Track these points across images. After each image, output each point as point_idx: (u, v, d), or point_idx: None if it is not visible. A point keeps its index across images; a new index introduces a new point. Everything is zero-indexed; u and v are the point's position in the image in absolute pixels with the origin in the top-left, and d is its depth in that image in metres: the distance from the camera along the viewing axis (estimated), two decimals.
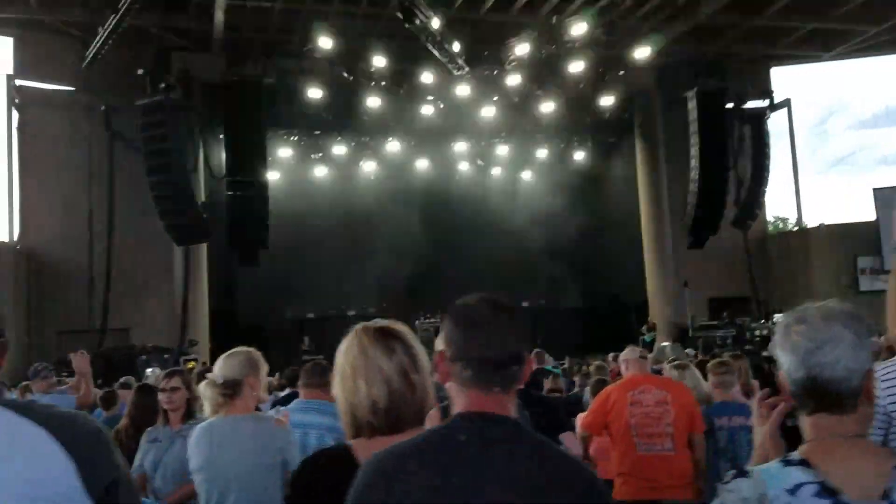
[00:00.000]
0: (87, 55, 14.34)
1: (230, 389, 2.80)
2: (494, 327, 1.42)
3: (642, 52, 17.55)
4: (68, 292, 16.07)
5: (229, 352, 2.95)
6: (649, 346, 18.24)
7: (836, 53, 22.43)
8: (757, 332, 19.83)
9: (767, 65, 23.61)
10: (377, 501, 1.30)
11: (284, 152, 20.64)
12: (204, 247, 18.41)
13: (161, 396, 3.62)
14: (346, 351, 1.70)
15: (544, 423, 3.35)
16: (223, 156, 16.92)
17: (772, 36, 21.42)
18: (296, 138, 19.96)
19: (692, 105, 18.08)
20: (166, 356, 15.60)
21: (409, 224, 22.30)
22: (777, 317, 20.65)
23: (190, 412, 3.58)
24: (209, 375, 2.89)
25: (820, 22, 20.10)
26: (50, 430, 1.18)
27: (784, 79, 23.68)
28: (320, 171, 21.78)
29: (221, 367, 2.86)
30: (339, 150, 20.86)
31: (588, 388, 5.94)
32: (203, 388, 2.86)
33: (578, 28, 15.91)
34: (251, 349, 3.00)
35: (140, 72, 14.18)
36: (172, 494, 3.36)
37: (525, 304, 23.34)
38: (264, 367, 2.97)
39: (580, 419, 4.61)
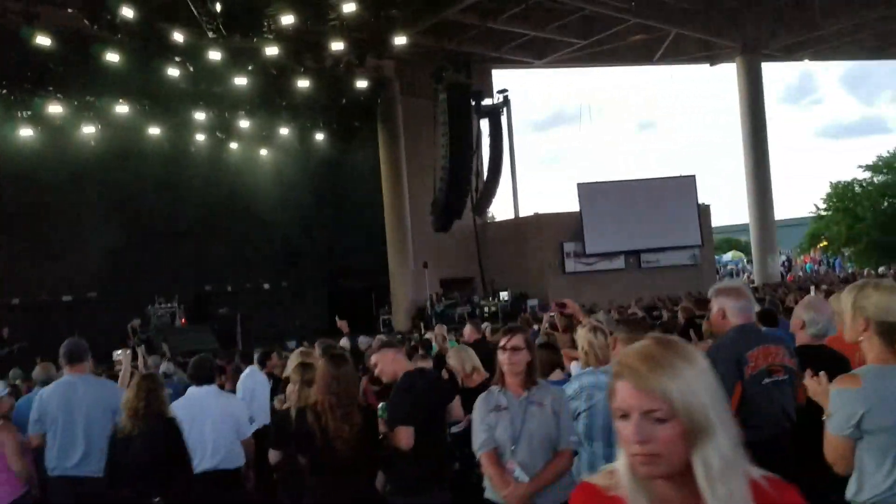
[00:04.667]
0: None
1: None
2: None
3: (399, 39, 18.03)
4: None
5: None
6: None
7: (547, 61, 25.39)
8: (486, 309, 21.77)
9: (490, 66, 25.89)
10: None
11: None
12: None
13: (501, 356, 3.03)
14: None
15: None
16: None
17: (498, 40, 23.54)
18: (5, 91, 16.72)
19: (443, 97, 19.08)
20: None
21: (137, 198, 20.17)
22: (503, 294, 22.93)
23: (531, 376, 3.05)
24: None
25: (541, 31, 22.58)
26: None
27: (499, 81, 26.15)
28: (26, 132, 18.52)
29: None
30: (55, 109, 17.96)
31: None
32: None
33: (347, 6, 15.80)
34: None
35: None
36: (548, 467, 2.96)
37: (266, 286, 22.65)
38: None
39: None
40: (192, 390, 4.34)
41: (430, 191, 21.52)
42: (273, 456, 3.91)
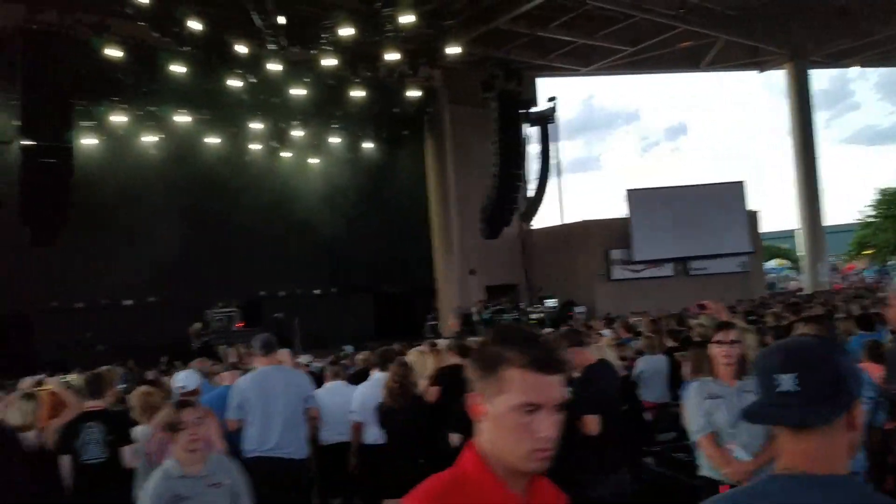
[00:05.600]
0: None
1: None
2: None
3: (453, 49, 18.30)
4: None
5: None
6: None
7: (593, 69, 25.49)
8: (533, 316, 21.88)
9: (535, 74, 26.05)
10: None
11: None
12: None
13: (718, 349, 3.33)
14: None
15: None
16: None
17: (544, 48, 23.69)
18: (75, 101, 17.28)
19: (494, 105, 19.29)
20: None
21: (195, 205, 20.67)
22: (548, 302, 23.05)
23: (743, 367, 3.31)
24: None
25: (589, 39, 22.71)
26: None
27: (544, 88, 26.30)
28: (90, 141, 19.13)
29: None
30: (120, 118, 18.57)
31: None
32: None
33: (406, 18, 16.12)
34: None
35: None
36: (767, 448, 3.15)
37: (316, 291, 23.04)
38: None
39: None
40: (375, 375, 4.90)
41: (477, 197, 21.72)
42: (456, 440, 4.19)
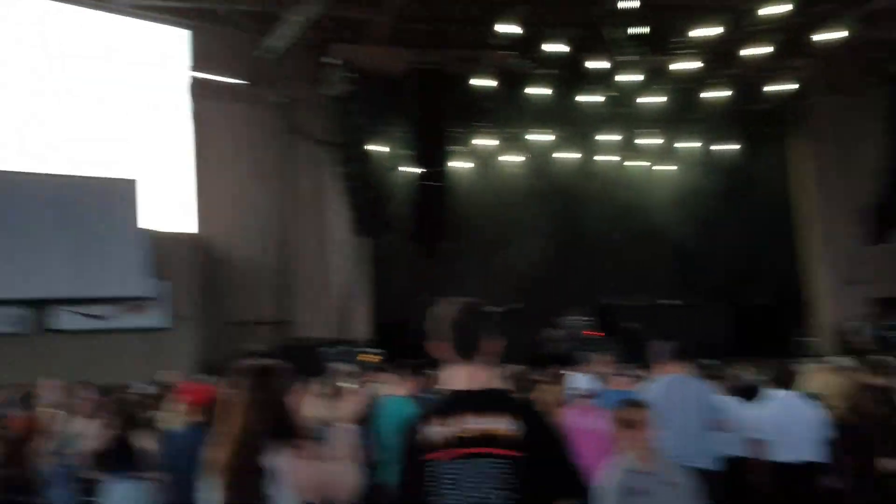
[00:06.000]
0: (271, 46, 14.16)
1: None
2: None
3: (831, 36, 16.46)
4: (241, 284, 16.07)
5: None
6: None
7: None
8: None
9: None
10: None
11: None
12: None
13: None
14: None
15: None
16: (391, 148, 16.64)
17: None
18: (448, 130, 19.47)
19: (880, 92, 16.92)
20: (339, 349, 15.41)
21: (552, 218, 21.62)
22: None
23: None
24: None
25: None
26: None
27: None
28: (461, 164, 21.22)
29: None
30: (487, 142, 20.35)
31: None
32: None
33: (777, 8, 14.95)
34: None
35: (327, 61, 13.95)
36: None
37: (666, 301, 22.44)
38: None
39: None
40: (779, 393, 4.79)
41: (859, 198, 19.29)
42: (893, 466, 3.93)
